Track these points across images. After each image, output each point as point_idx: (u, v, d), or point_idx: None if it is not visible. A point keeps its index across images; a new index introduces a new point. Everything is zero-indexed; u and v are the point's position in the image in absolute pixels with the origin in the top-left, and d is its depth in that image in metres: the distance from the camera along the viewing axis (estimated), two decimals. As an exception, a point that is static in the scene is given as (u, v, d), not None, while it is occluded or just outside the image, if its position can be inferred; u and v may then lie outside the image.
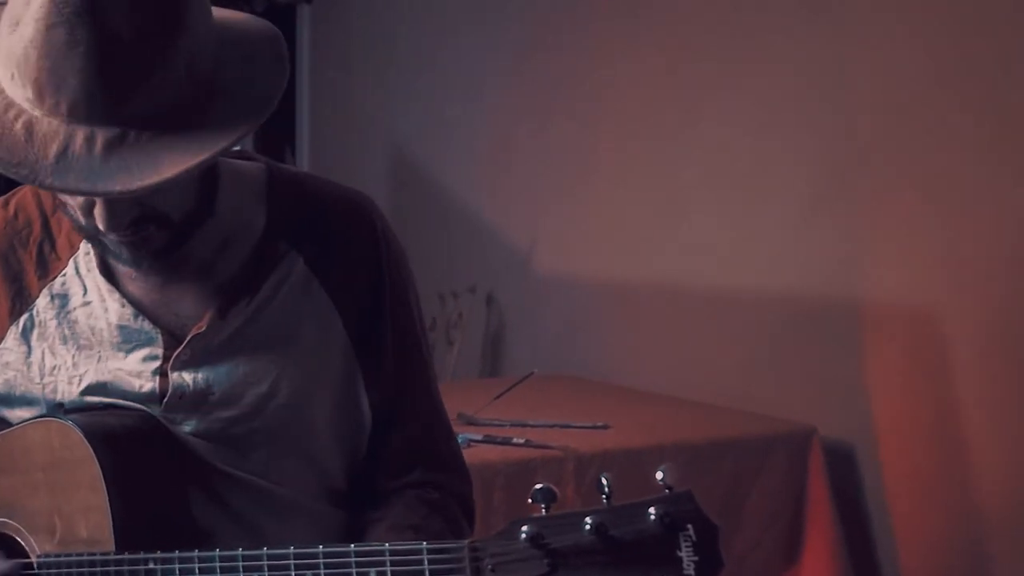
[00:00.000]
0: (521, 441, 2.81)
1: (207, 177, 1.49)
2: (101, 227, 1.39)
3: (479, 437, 2.83)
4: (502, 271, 4.50)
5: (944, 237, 3.05)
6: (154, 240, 1.44)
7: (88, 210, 1.40)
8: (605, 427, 3.03)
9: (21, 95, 1.32)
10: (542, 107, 4.34)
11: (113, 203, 1.38)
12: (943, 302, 3.06)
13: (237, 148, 1.45)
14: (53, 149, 1.30)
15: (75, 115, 1.30)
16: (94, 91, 1.29)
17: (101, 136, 1.30)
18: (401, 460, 1.62)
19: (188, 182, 1.42)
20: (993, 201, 2.94)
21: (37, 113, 1.31)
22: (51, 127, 1.31)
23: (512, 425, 2.97)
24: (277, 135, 6.01)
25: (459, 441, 2.66)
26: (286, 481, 1.56)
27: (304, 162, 5.78)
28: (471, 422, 2.99)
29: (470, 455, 2.65)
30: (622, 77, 3.99)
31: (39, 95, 1.30)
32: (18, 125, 1.32)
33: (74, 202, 1.41)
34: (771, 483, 3.04)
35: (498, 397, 3.07)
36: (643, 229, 3.91)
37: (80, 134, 1.30)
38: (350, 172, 5.43)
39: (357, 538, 1.54)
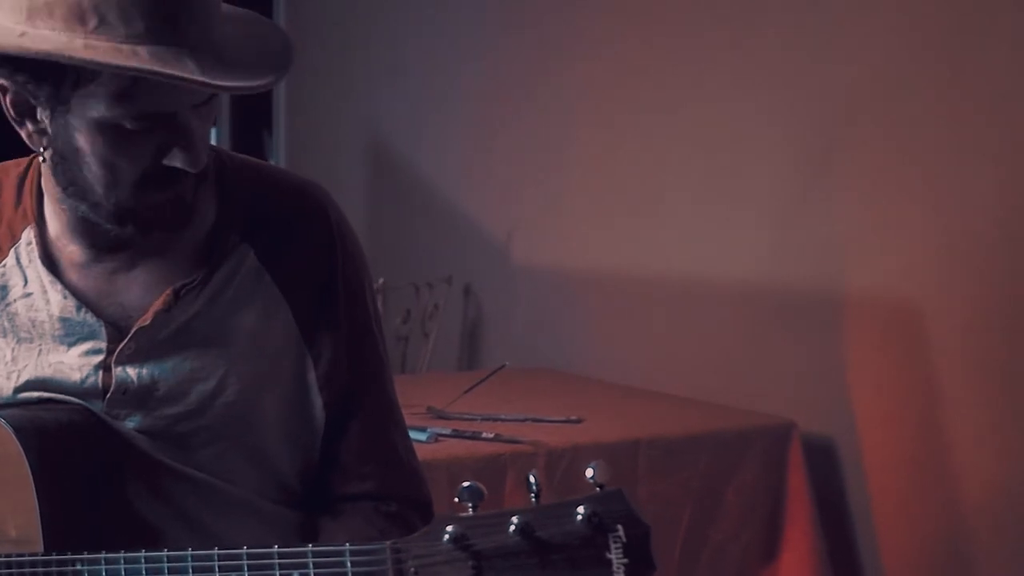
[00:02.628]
0: (490, 436, 2.75)
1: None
2: (187, 164, 1.37)
3: (447, 431, 2.77)
4: (480, 262, 4.47)
5: (928, 228, 3.01)
6: (178, 208, 1.43)
7: (153, 167, 1.38)
8: (578, 421, 2.97)
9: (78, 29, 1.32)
10: (520, 95, 4.31)
11: (197, 132, 1.38)
12: (926, 294, 3.02)
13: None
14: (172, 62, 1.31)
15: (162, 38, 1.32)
16: (167, 15, 1.32)
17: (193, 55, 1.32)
18: (355, 462, 1.58)
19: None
20: (978, 193, 2.90)
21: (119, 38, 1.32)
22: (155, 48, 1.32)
23: (483, 419, 2.92)
24: (254, 120, 6.01)
25: (427, 436, 2.67)
26: (234, 479, 1.52)
27: (280, 148, 5.77)
28: (441, 416, 2.94)
29: (438, 450, 2.66)
30: (600, 66, 3.96)
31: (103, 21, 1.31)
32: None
33: (132, 159, 1.38)
34: (749, 479, 2.99)
35: (468, 391, 3.02)
36: (622, 221, 3.88)
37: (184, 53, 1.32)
38: (327, 159, 5.42)
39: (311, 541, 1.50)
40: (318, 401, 1.55)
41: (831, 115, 3.23)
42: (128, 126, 1.35)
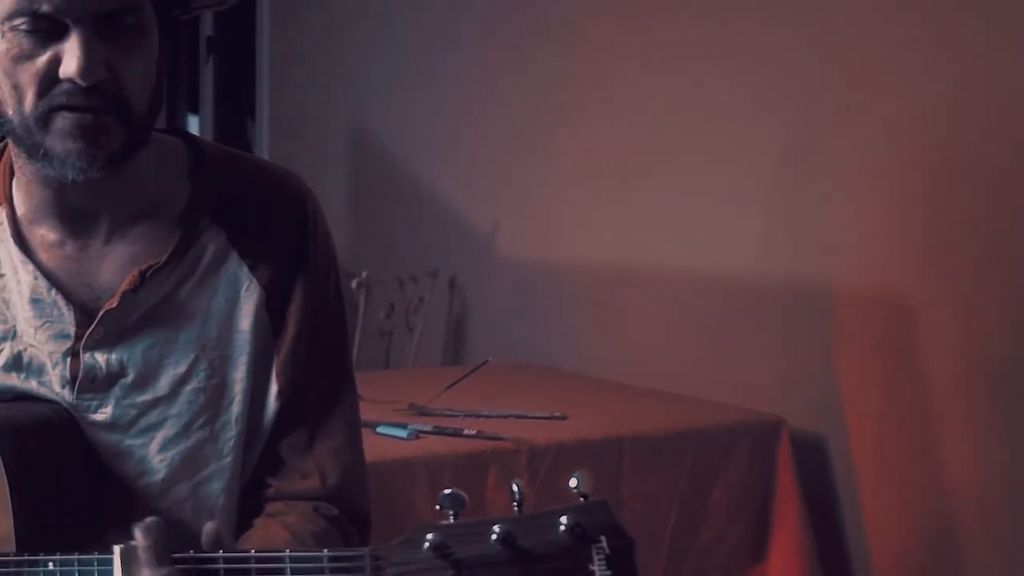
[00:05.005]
0: (472, 432, 2.71)
1: (156, 93, 1.44)
2: (75, 72, 1.34)
3: (428, 428, 2.74)
4: (466, 255, 4.44)
5: (917, 225, 3.00)
6: (111, 136, 1.38)
7: (48, 81, 1.36)
8: (563, 418, 2.94)
9: None
10: (504, 87, 4.29)
11: (91, 44, 1.34)
12: (916, 289, 3.00)
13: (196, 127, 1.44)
14: None
15: None
16: None
17: None
18: (298, 460, 1.56)
19: (149, 69, 1.41)
20: (970, 185, 2.89)
21: None
22: None
23: (465, 416, 2.88)
24: (237, 108, 6.00)
25: (408, 433, 2.64)
26: (203, 472, 1.52)
27: (263, 136, 5.73)
28: (422, 412, 2.90)
29: (418, 447, 2.63)
30: (585, 57, 3.95)
31: None
32: None
33: (30, 74, 1.36)
34: (737, 476, 2.96)
35: (450, 387, 2.99)
36: (608, 215, 3.86)
37: None
38: (310, 147, 5.39)
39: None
40: (273, 388, 1.54)
41: (821, 108, 3.21)
42: (24, 27, 1.35)
